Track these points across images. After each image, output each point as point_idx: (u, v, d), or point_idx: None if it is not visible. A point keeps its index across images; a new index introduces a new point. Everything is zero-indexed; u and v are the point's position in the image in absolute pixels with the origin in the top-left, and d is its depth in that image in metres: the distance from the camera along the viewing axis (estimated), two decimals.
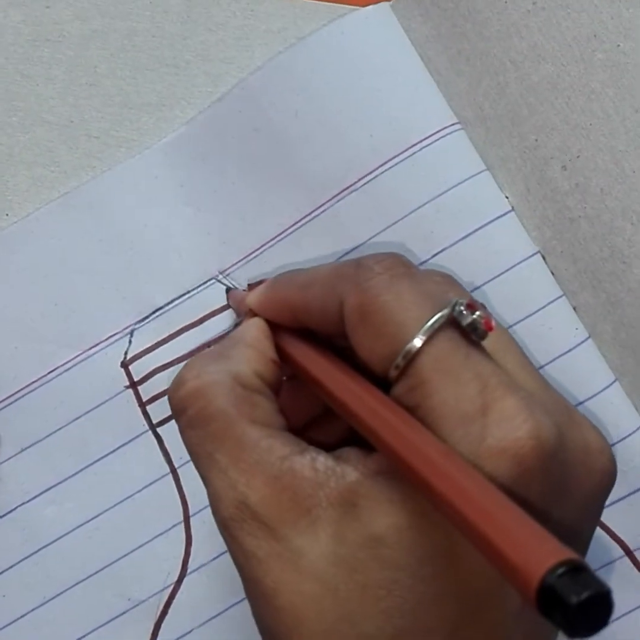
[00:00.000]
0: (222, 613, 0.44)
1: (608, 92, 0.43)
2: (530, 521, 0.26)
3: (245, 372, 0.35)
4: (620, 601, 0.42)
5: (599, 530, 0.43)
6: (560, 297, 0.43)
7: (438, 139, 0.43)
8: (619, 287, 0.43)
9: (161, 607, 0.45)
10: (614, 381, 0.43)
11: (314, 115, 0.44)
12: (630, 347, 0.43)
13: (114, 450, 0.45)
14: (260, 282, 0.42)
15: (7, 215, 0.46)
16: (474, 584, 0.31)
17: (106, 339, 0.45)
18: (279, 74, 0.45)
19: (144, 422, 0.45)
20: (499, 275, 0.43)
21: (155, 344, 0.45)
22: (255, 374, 0.36)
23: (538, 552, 0.25)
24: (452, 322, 0.32)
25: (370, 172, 0.44)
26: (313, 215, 0.45)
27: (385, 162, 0.44)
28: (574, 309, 0.43)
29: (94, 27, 0.46)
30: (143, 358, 0.45)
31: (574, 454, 0.32)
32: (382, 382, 0.33)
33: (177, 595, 0.45)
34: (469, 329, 0.32)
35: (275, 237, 0.45)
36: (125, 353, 0.45)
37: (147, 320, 0.45)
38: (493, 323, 0.33)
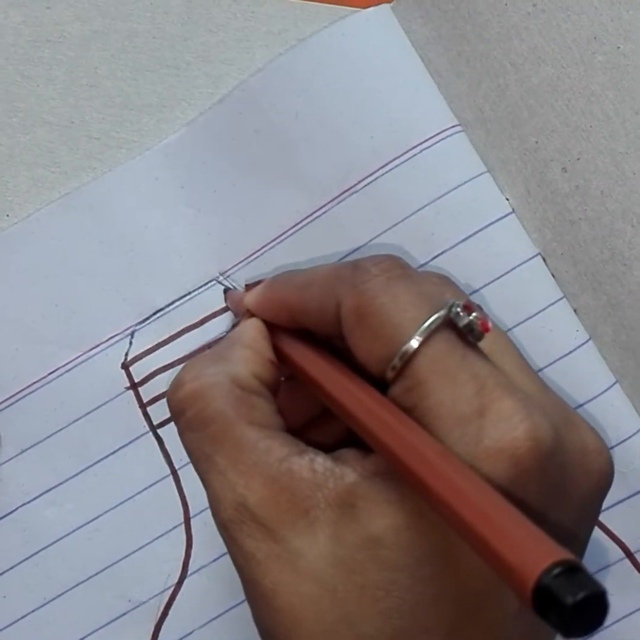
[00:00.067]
0: (223, 614, 0.44)
1: (608, 94, 0.43)
2: (526, 522, 0.27)
3: (243, 373, 0.35)
4: (621, 603, 0.43)
5: (599, 532, 0.43)
6: (561, 299, 0.43)
7: (438, 141, 0.43)
8: (620, 289, 0.43)
9: (161, 609, 0.45)
10: (615, 383, 0.43)
11: (314, 116, 0.44)
12: (631, 349, 0.43)
13: (114, 452, 0.45)
14: (257, 282, 0.42)
15: (7, 216, 0.46)
16: (472, 584, 0.31)
17: (107, 340, 0.45)
18: (280, 75, 0.45)
19: (145, 423, 0.45)
20: (499, 277, 0.43)
21: (156, 345, 0.45)
22: (253, 375, 0.36)
23: (534, 553, 0.25)
24: (449, 324, 0.32)
25: (371, 174, 0.44)
26: (313, 216, 0.45)
27: (386, 164, 0.44)
28: (575, 311, 0.43)
29: (95, 28, 0.46)
30: (144, 359, 0.45)
31: (571, 455, 0.32)
32: (379, 383, 0.33)
33: (178, 597, 0.45)
34: (466, 330, 0.32)
35: (276, 238, 0.45)
36: (126, 354, 0.45)
37: (147, 322, 0.45)
38: (490, 324, 0.33)
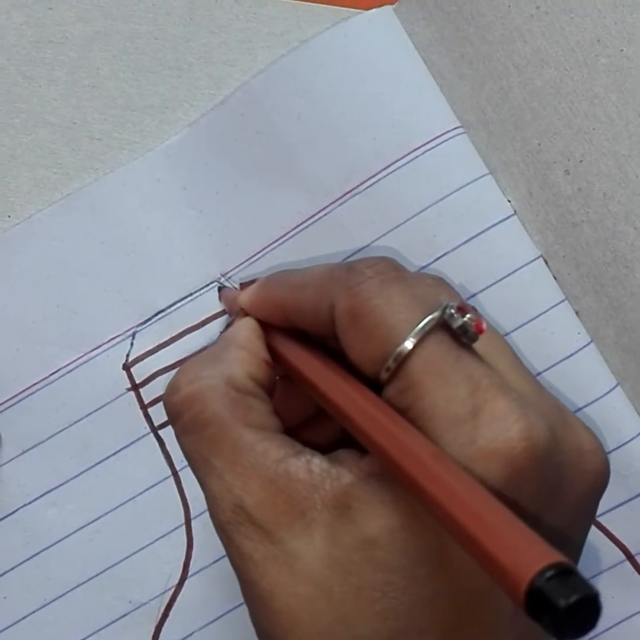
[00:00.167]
0: (223, 616, 0.44)
1: (611, 97, 0.43)
2: (519, 524, 0.27)
3: (238, 375, 0.36)
4: (621, 606, 0.43)
5: (600, 534, 0.43)
6: (563, 301, 0.43)
7: (441, 143, 0.43)
8: (622, 291, 0.43)
9: (162, 610, 0.45)
10: (616, 386, 0.43)
11: (316, 118, 0.44)
12: (633, 352, 0.43)
13: (115, 453, 0.45)
14: (252, 282, 0.41)
15: (9, 216, 0.46)
16: (466, 585, 0.31)
17: (108, 341, 0.45)
18: (282, 77, 0.45)
19: (146, 424, 0.45)
20: (501, 280, 0.43)
21: (157, 346, 0.45)
22: (248, 376, 0.36)
23: (527, 555, 0.25)
24: (443, 325, 0.32)
25: (373, 176, 0.44)
26: (315, 218, 0.45)
27: (388, 166, 0.44)
28: (576, 313, 0.43)
29: (97, 29, 0.46)
30: (145, 360, 0.45)
31: (567, 455, 0.32)
32: (374, 384, 0.33)
33: (178, 598, 0.45)
34: (460, 332, 0.32)
35: (278, 239, 0.45)
36: (127, 355, 0.45)
37: (149, 323, 0.45)
38: (484, 325, 0.33)
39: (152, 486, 0.45)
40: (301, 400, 0.38)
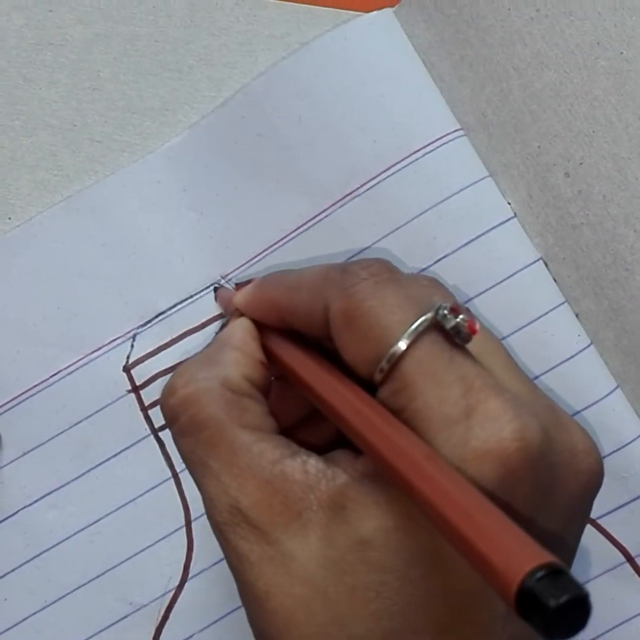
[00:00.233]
0: (223, 618, 0.44)
1: (611, 100, 0.43)
2: (511, 524, 0.27)
3: (233, 376, 0.36)
4: (622, 608, 0.43)
5: (599, 536, 0.43)
6: (563, 304, 0.43)
7: (441, 145, 0.43)
8: (622, 294, 0.43)
9: (162, 612, 0.45)
10: (616, 388, 0.43)
11: (317, 120, 0.44)
12: (633, 354, 0.43)
13: (115, 455, 0.45)
14: (248, 282, 0.42)
15: (9, 219, 0.46)
16: (461, 585, 0.31)
17: (108, 343, 0.45)
18: (283, 79, 0.45)
19: (146, 426, 0.45)
20: (501, 282, 0.43)
21: (158, 348, 0.45)
22: (243, 377, 0.36)
23: (518, 556, 0.25)
24: (436, 326, 0.32)
25: (373, 178, 0.44)
26: (315, 220, 0.45)
27: (388, 168, 0.44)
28: (576, 315, 0.43)
29: (97, 31, 0.46)
30: (145, 362, 0.45)
31: (560, 455, 0.32)
32: (368, 385, 0.33)
33: (179, 600, 0.45)
34: (453, 332, 0.32)
35: (278, 242, 0.45)
36: (128, 357, 0.45)
37: (149, 325, 0.45)
38: (477, 326, 0.33)
39: (152, 488, 0.45)
40: (297, 400, 0.38)
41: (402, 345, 0.32)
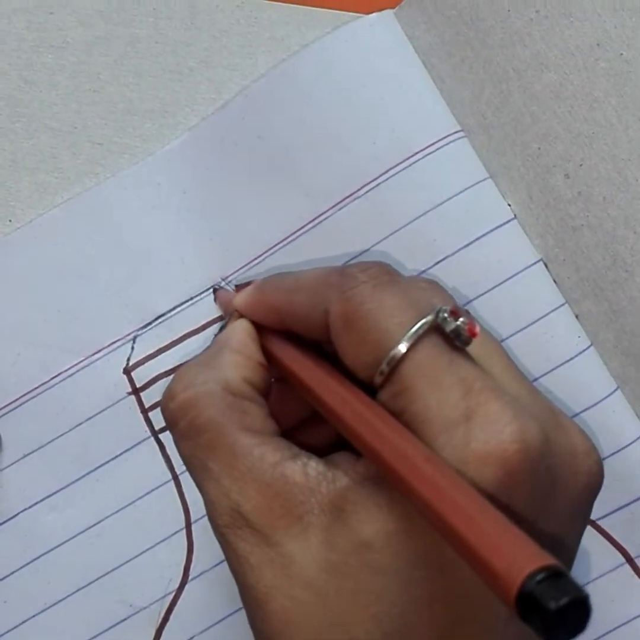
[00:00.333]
0: (224, 620, 0.44)
1: (611, 101, 0.43)
2: (511, 526, 0.27)
3: (233, 379, 0.36)
4: (622, 609, 0.43)
5: (600, 538, 0.43)
6: (563, 305, 0.43)
7: (441, 147, 0.43)
8: (621, 295, 0.43)
9: (162, 614, 0.45)
10: (616, 389, 0.43)
11: (317, 122, 0.44)
12: (633, 356, 0.43)
13: (116, 457, 0.45)
14: (247, 283, 0.42)
15: (10, 221, 0.46)
16: (462, 587, 0.31)
17: (108, 345, 0.45)
18: (283, 81, 0.45)
19: (146, 428, 0.45)
20: (501, 283, 0.43)
21: (158, 350, 0.45)
22: (243, 380, 0.36)
23: (518, 558, 0.25)
24: (436, 329, 0.32)
25: (373, 180, 0.44)
26: (315, 222, 0.45)
27: (388, 170, 0.44)
28: (576, 317, 0.43)
29: (97, 34, 0.46)
30: (145, 364, 0.45)
31: (560, 457, 0.32)
32: (368, 388, 0.33)
33: (179, 602, 0.45)
34: (453, 335, 0.32)
35: (278, 243, 0.45)
36: (128, 359, 0.45)
37: (149, 327, 0.45)
38: (477, 329, 0.33)
39: (152, 490, 0.45)
40: (297, 402, 0.38)
41: (402, 348, 0.32)
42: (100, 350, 0.45)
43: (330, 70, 0.44)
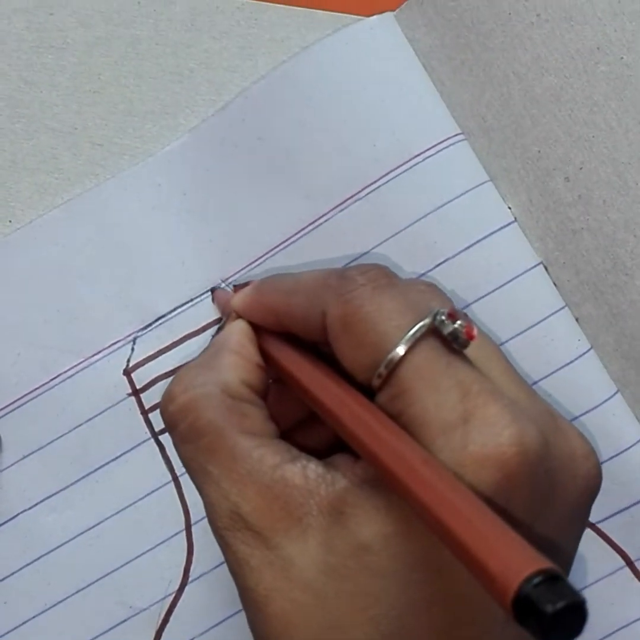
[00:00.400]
0: (224, 621, 0.44)
1: (611, 105, 0.43)
2: (508, 530, 0.27)
3: (232, 381, 0.36)
4: (622, 612, 0.43)
5: (600, 541, 0.43)
6: (563, 308, 0.43)
7: (441, 150, 0.43)
8: (621, 298, 0.43)
9: (162, 615, 0.45)
10: (616, 393, 0.43)
11: (317, 124, 0.44)
12: (632, 359, 0.43)
13: (116, 458, 0.45)
14: (245, 284, 0.42)
15: (10, 222, 0.46)
16: (460, 590, 0.31)
17: (109, 346, 0.45)
18: (283, 82, 0.45)
19: (146, 430, 0.45)
20: (501, 286, 0.43)
21: (158, 351, 0.45)
22: (242, 382, 0.36)
23: (515, 561, 0.25)
24: (434, 331, 0.32)
25: (373, 182, 0.44)
26: (316, 224, 0.45)
27: (388, 172, 0.44)
28: (576, 320, 0.43)
29: (98, 35, 0.46)
30: (145, 366, 0.45)
31: (558, 460, 0.32)
32: (366, 390, 0.33)
33: (179, 604, 0.45)
34: (451, 338, 0.32)
35: (278, 245, 0.45)
36: (128, 360, 0.45)
37: (149, 328, 0.45)
38: (474, 332, 0.33)
39: (152, 491, 0.45)
40: (294, 403, 0.38)
41: (400, 350, 0.32)
42: (100, 351, 0.45)
43: (331, 72, 0.44)
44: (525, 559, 0.25)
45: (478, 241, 0.43)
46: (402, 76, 0.44)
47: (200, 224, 0.45)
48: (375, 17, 0.45)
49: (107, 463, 0.45)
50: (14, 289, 0.45)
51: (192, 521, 0.45)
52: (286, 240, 0.45)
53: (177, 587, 0.45)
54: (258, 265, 0.45)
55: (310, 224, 0.45)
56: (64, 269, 0.45)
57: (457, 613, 0.31)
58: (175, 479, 0.45)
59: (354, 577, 0.31)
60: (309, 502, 0.32)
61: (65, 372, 0.45)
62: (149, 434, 0.45)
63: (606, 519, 0.43)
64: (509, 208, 0.44)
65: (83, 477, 0.45)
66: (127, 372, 0.45)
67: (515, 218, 0.44)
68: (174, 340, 0.45)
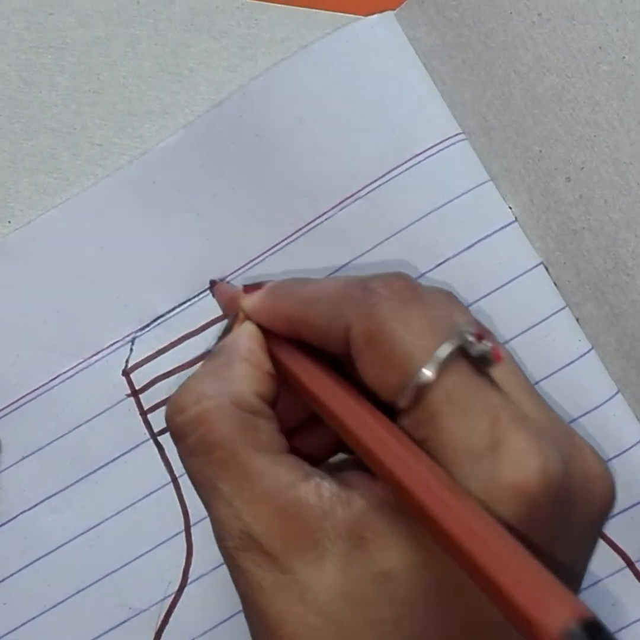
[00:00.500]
0: (223, 622, 0.44)
1: (613, 104, 0.43)
2: (543, 571, 0.26)
3: (245, 393, 0.35)
4: (622, 613, 0.43)
5: (600, 542, 0.43)
6: (563, 308, 0.43)
7: (442, 149, 0.43)
8: (623, 298, 0.43)
9: (162, 617, 0.45)
10: (617, 393, 0.43)
11: (317, 122, 0.44)
12: (633, 359, 0.43)
13: (115, 459, 0.45)
14: (256, 285, 0.40)
15: (9, 222, 0.46)
16: (481, 618, 0.30)
17: (108, 347, 0.45)
18: (282, 80, 0.45)
19: (145, 430, 0.45)
20: (502, 286, 0.43)
21: (157, 352, 0.45)
22: (255, 394, 0.35)
23: (554, 608, 0.25)
24: (461, 352, 0.31)
25: (374, 181, 0.44)
26: (315, 223, 0.44)
27: (389, 172, 0.44)
28: (577, 320, 0.43)
29: (97, 35, 0.46)
30: (144, 366, 0.45)
31: (576, 479, 0.32)
32: (383, 405, 0.32)
33: (178, 605, 0.45)
34: (478, 359, 0.32)
35: (277, 244, 0.45)
36: (127, 361, 0.45)
37: (148, 328, 0.45)
38: (502, 353, 0.32)
39: (151, 492, 0.45)
40: (294, 405, 0.37)
41: (429, 374, 0.30)
42: (99, 352, 0.45)
43: (331, 71, 0.44)
44: (565, 606, 0.25)
45: (479, 241, 0.43)
46: (403, 75, 0.44)
47: (196, 222, 0.45)
48: (375, 16, 0.45)
49: (107, 464, 0.45)
50: (13, 290, 0.45)
51: (192, 522, 0.45)
52: (285, 239, 0.45)
53: (176, 588, 0.45)
54: (257, 263, 0.45)
55: (309, 223, 0.44)
56: (62, 269, 0.45)
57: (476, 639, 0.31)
58: (175, 480, 0.45)
59: (372, 603, 0.31)
60: (324, 524, 0.31)
61: (65, 372, 0.45)
62: (148, 435, 0.45)
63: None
64: (510, 208, 0.44)
65: (82, 478, 0.45)
66: (126, 373, 0.45)
67: (516, 218, 0.44)
68: (173, 340, 0.45)
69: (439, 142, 0.43)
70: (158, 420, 0.45)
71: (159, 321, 0.45)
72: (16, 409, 0.45)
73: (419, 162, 0.43)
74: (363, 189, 0.44)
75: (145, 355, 0.45)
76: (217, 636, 0.44)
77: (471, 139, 0.44)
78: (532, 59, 0.43)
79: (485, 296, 0.43)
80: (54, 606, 0.45)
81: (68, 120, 0.46)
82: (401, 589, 0.30)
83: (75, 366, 0.45)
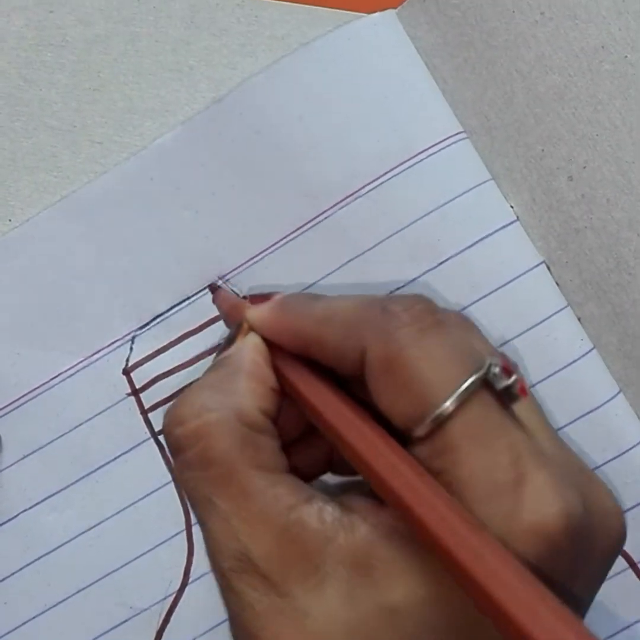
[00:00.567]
0: (224, 622, 0.44)
1: (615, 103, 0.43)
2: (564, 610, 0.26)
3: (248, 409, 0.33)
4: (624, 613, 0.43)
5: None
6: (565, 307, 0.43)
7: (443, 148, 0.43)
8: (625, 298, 0.43)
9: (163, 616, 0.45)
10: (619, 392, 0.43)
11: (318, 120, 0.44)
12: (635, 359, 0.43)
13: (115, 458, 0.45)
14: (262, 296, 0.39)
15: (9, 220, 0.46)
16: None
17: (108, 346, 0.45)
18: (283, 77, 0.44)
19: (146, 429, 0.45)
20: (503, 285, 0.43)
21: (157, 351, 0.45)
22: (258, 410, 0.34)
23: None
24: (484, 383, 0.30)
25: (375, 180, 0.44)
26: (316, 221, 0.44)
27: (391, 170, 0.43)
28: (579, 319, 0.43)
29: (97, 32, 0.46)
30: (145, 365, 0.45)
31: (594, 518, 0.31)
32: (395, 431, 0.31)
33: (179, 604, 0.45)
34: (502, 393, 0.31)
35: (277, 242, 0.45)
36: (127, 360, 0.45)
37: (147, 327, 0.45)
38: (527, 387, 0.31)
39: (152, 491, 0.45)
40: (292, 421, 0.36)
41: (450, 406, 0.30)
42: (99, 351, 0.45)
43: (332, 68, 0.44)
44: None
45: (480, 240, 0.43)
46: (404, 73, 0.44)
47: (195, 220, 0.45)
48: (377, 14, 0.44)
49: (107, 463, 0.45)
50: (13, 288, 0.45)
51: (193, 521, 0.45)
52: (285, 237, 0.45)
53: (177, 587, 0.45)
54: (256, 262, 0.45)
55: (310, 221, 0.44)
56: (61, 267, 0.45)
57: None
58: (175, 479, 0.45)
59: (376, 636, 0.30)
60: (326, 549, 0.30)
61: (65, 371, 0.45)
62: (148, 434, 0.45)
63: None
64: (511, 207, 0.44)
65: (83, 477, 0.45)
66: (126, 372, 0.45)
67: (517, 217, 0.44)
68: (172, 339, 0.45)
69: (440, 140, 0.43)
70: (158, 419, 0.45)
71: (158, 320, 0.45)
72: (17, 407, 0.45)
73: (420, 160, 0.43)
74: (364, 187, 0.44)
75: (146, 354, 0.45)
76: (219, 635, 0.44)
77: (473, 138, 0.44)
78: (534, 58, 0.43)
79: (486, 295, 0.43)
80: (55, 605, 0.45)
81: (68, 118, 0.46)
82: (408, 624, 0.29)
83: (75, 365, 0.45)
